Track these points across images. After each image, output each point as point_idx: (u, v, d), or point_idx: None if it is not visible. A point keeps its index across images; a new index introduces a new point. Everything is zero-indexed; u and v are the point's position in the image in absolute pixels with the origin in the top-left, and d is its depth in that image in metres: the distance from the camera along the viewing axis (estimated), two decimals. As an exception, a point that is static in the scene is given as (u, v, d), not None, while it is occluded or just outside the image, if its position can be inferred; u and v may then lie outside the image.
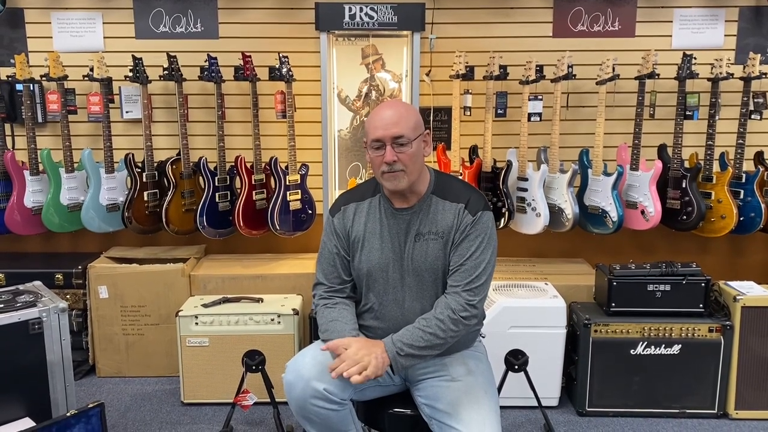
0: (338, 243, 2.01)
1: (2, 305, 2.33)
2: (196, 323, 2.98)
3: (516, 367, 2.74)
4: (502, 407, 1.97)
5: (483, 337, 2.14)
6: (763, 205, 3.28)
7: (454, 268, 1.90)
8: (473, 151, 3.48)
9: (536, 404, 2.82)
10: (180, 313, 2.99)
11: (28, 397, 2.34)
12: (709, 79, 3.33)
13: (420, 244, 1.92)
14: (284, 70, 3.33)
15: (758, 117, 3.36)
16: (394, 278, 1.95)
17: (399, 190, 1.90)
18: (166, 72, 3.32)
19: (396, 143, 1.85)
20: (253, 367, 2.73)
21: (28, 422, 2.29)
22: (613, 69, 3.25)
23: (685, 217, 3.34)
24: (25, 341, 2.31)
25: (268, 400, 2.76)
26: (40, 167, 3.35)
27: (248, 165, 3.41)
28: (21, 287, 2.57)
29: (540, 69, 3.33)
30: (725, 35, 3.53)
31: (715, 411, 2.94)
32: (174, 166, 3.37)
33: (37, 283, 2.65)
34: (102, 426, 2.21)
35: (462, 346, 2.01)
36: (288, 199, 3.40)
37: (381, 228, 1.96)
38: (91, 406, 2.17)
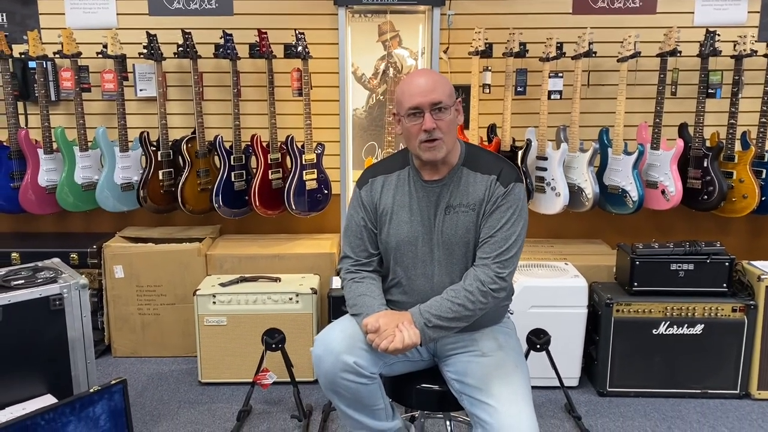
0: (366, 216, 1.97)
1: (23, 281, 2.31)
2: (214, 302, 2.96)
3: (538, 346, 2.72)
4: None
5: (512, 313, 2.11)
6: (786, 185, 3.24)
7: (484, 239, 1.86)
8: (491, 129, 3.43)
9: (557, 384, 2.79)
10: (198, 293, 2.96)
11: (49, 374, 2.33)
12: (732, 57, 3.28)
13: (450, 217, 1.89)
14: (300, 47, 3.28)
15: (782, 95, 3.31)
16: (423, 252, 1.92)
17: (437, 161, 1.86)
18: (180, 49, 3.27)
19: (435, 110, 1.81)
20: (273, 346, 2.71)
21: (49, 399, 2.28)
22: (635, 46, 3.20)
23: (706, 196, 3.30)
24: (46, 317, 2.29)
25: (287, 379, 2.74)
26: (54, 146, 3.32)
27: (264, 144, 3.37)
28: (40, 264, 2.54)
29: (560, 46, 3.28)
30: (748, 12, 3.46)
31: (738, 391, 2.91)
32: (189, 145, 3.33)
33: (56, 260, 2.63)
34: (125, 402, 2.19)
35: (491, 321, 1.98)
36: (304, 178, 3.36)
37: (410, 201, 1.93)
38: (113, 382, 2.15)
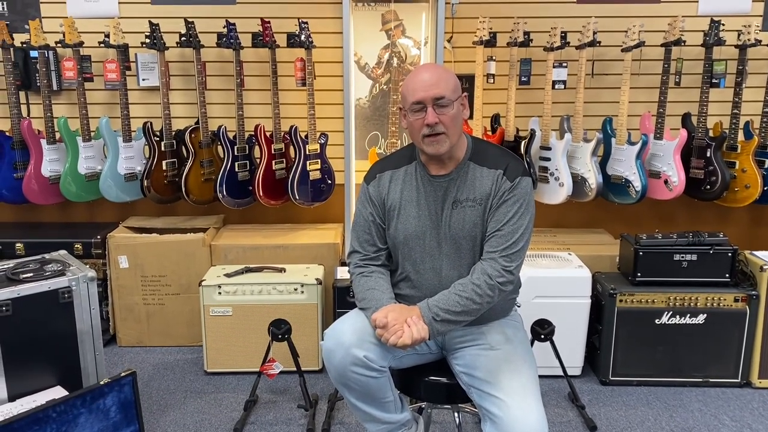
0: (374, 211, 1.98)
1: (31, 274, 2.31)
2: (220, 293, 2.97)
3: (542, 336, 2.74)
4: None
5: (518, 306, 2.13)
6: (788, 175, 3.25)
7: (491, 233, 1.87)
8: (495, 119, 3.43)
9: (560, 373, 2.82)
10: (203, 283, 2.97)
11: (58, 366, 2.34)
12: (736, 46, 3.27)
13: (458, 212, 1.89)
14: (303, 36, 3.26)
15: (785, 85, 3.31)
16: (431, 246, 1.93)
17: (440, 155, 1.86)
18: (183, 38, 3.26)
19: (437, 104, 1.82)
20: (279, 336, 2.73)
21: (59, 391, 2.29)
22: (639, 35, 3.19)
23: (708, 186, 3.30)
24: (55, 310, 2.30)
25: (293, 369, 2.76)
26: (57, 135, 3.31)
27: (268, 134, 3.36)
28: (47, 256, 2.54)
29: (564, 36, 3.27)
30: (753, 1, 3.45)
31: (739, 380, 2.94)
32: (193, 135, 3.32)
33: (63, 252, 2.63)
34: (134, 394, 2.21)
35: (499, 314, 2.00)
36: (308, 168, 3.36)
37: (418, 196, 1.94)
38: (123, 374, 2.17)
